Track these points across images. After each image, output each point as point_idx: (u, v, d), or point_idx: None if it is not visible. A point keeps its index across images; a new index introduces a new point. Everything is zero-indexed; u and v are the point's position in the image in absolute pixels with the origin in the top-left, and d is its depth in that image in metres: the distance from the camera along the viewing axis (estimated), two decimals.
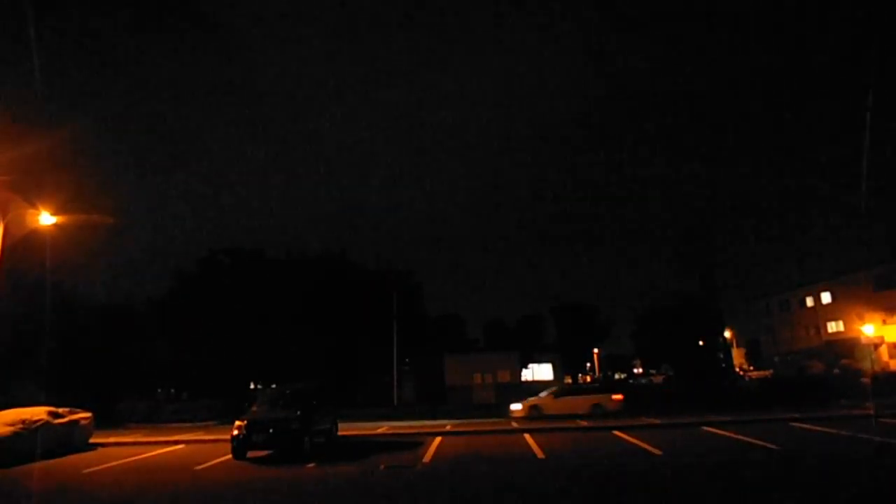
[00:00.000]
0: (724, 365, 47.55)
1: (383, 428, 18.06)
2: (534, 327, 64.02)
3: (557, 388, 23.09)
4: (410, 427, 18.11)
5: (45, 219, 16.59)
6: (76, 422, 15.62)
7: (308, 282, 34.93)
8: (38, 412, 14.66)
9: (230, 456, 12.62)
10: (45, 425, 14.35)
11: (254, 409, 14.11)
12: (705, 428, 15.36)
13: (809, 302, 54.69)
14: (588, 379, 77.79)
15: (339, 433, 16.38)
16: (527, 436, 14.87)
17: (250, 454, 12.71)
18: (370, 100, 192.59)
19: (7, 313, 22.74)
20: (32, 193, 16.78)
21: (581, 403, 20.48)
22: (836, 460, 10.53)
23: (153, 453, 14.48)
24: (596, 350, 71.03)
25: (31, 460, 13.06)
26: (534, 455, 11.84)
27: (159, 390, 36.66)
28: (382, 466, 10.94)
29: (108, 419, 22.60)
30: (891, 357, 43.10)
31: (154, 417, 25.52)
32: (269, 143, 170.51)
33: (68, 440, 15.01)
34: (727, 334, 51.18)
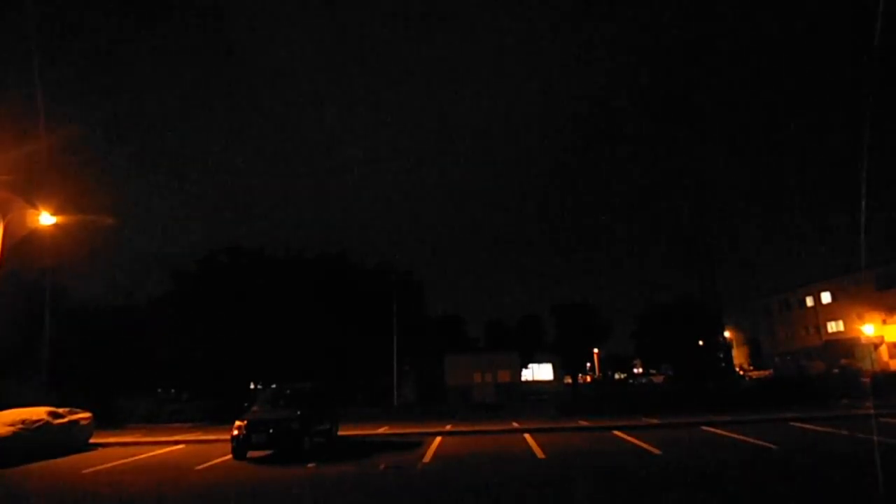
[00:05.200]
0: (724, 365, 47.60)
1: (383, 428, 18.06)
2: (534, 327, 63.86)
3: None
4: (410, 427, 18.09)
5: (45, 219, 16.61)
6: (76, 422, 15.62)
7: (308, 282, 34.91)
8: (38, 412, 14.67)
9: (230, 456, 12.63)
10: (45, 425, 14.35)
11: (254, 409, 14.11)
12: (705, 428, 15.36)
13: (809, 302, 54.69)
14: (588, 379, 77.78)
15: (340, 433, 16.38)
16: (527, 436, 14.87)
17: (250, 454, 12.71)
18: (371, 100, 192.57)
19: (7, 313, 22.75)
20: (32, 193, 16.80)
21: None
22: (836, 460, 10.53)
23: (153, 453, 14.47)
24: (596, 350, 70.99)
25: (31, 460, 13.07)
26: (534, 455, 11.84)
27: (159, 390, 36.64)
28: (383, 466, 10.93)
29: (108, 419, 22.59)
30: (891, 357, 43.09)
31: (154, 417, 25.49)
32: (270, 143, 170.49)
33: (68, 440, 15.01)
34: (727, 334, 51.27)
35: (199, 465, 12.06)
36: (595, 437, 14.71)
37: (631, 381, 78.93)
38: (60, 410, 15.41)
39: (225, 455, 12.95)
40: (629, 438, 13.78)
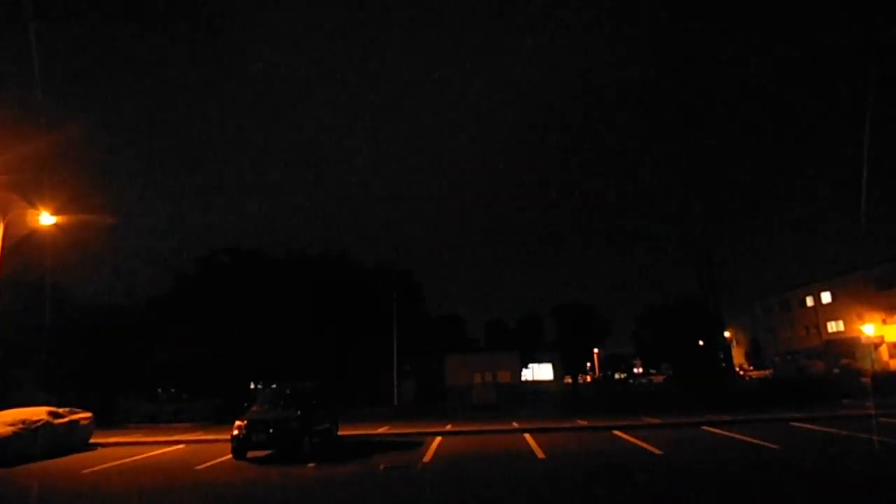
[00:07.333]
0: (724, 365, 47.56)
1: (383, 428, 18.06)
2: (534, 327, 63.91)
3: None
4: (410, 427, 18.09)
5: (45, 219, 16.59)
6: (76, 422, 15.62)
7: (308, 282, 34.91)
8: (38, 412, 14.67)
9: (230, 456, 12.63)
10: (45, 425, 14.35)
11: (254, 409, 14.10)
12: (705, 428, 15.35)
13: (809, 302, 54.69)
14: (588, 379, 77.81)
15: (339, 433, 16.38)
16: (527, 436, 14.86)
17: (250, 454, 12.72)
18: (370, 100, 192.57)
19: (7, 313, 22.74)
20: (32, 193, 16.78)
21: None
22: (835, 460, 10.53)
23: (153, 453, 14.47)
24: (596, 350, 71.01)
25: (31, 460, 13.07)
26: (534, 455, 11.84)
27: (159, 390, 36.62)
28: (382, 466, 10.93)
29: (108, 419, 22.61)
30: (891, 357, 43.09)
31: (154, 417, 25.53)
32: (270, 143, 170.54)
33: (68, 440, 15.01)
34: (727, 334, 51.19)
35: (199, 464, 12.06)
36: (595, 437, 14.70)
37: (631, 380, 78.98)
38: (60, 410, 15.42)
39: (225, 455, 12.95)
40: (629, 438, 13.77)
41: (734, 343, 68.96)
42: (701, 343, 53.63)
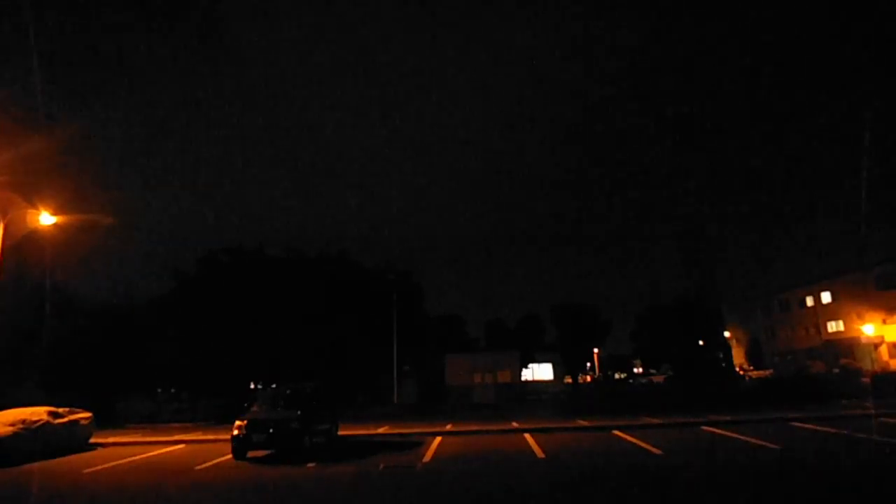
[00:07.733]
0: (724, 365, 47.63)
1: (383, 428, 18.06)
2: (534, 327, 64.04)
3: None
4: (410, 427, 18.09)
5: (45, 219, 16.60)
6: (76, 422, 15.63)
7: (308, 282, 34.93)
8: (38, 412, 14.69)
9: (230, 456, 12.64)
10: (45, 425, 14.37)
11: (254, 409, 14.12)
12: (705, 428, 15.35)
13: (809, 302, 54.68)
14: (588, 379, 77.85)
15: (340, 433, 16.39)
16: (527, 436, 14.87)
17: (250, 454, 12.73)
18: (371, 99, 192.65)
19: (7, 313, 22.76)
20: (32, 193, 16.80)
21: None
22: (836, 460, 10.53)
23: (153, 453, 14.48)
24: (596, 350, 71.10)
25: (31, 460, 13.08)
26: (534, 455, 11.84)
27: (159, 390, 36.61)
28: (382, 466, 10.94)
29: (108, 419, 22.61)
30: (891, 357, 43.09)
31: (154, 417, 25.53)
32: (270, 143, 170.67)
33: (68, 440, 15.03)
34: (727, 334, 51.28)
35: (200, 464, 12.06)
36: (595, 437, 14.71)
37: (631, 381, 78.97)
38: (60, 410, 15.43)
39: (225, 455, 12.96)
40: (629, 438, 13.77)
41: (734, 343, 68.97)
42: (701, 343, 53.73)
